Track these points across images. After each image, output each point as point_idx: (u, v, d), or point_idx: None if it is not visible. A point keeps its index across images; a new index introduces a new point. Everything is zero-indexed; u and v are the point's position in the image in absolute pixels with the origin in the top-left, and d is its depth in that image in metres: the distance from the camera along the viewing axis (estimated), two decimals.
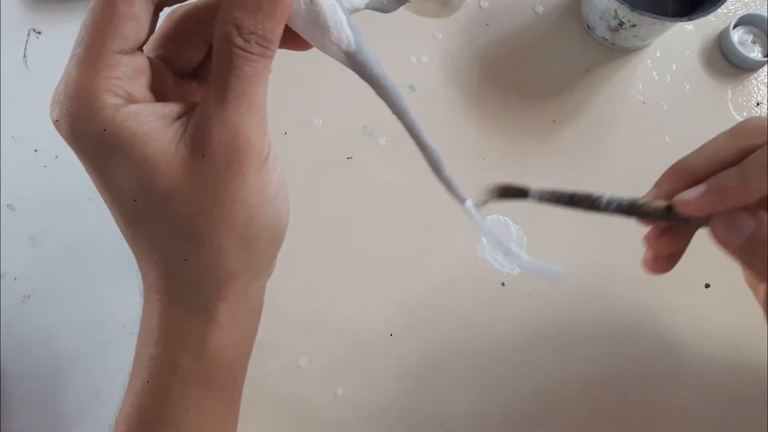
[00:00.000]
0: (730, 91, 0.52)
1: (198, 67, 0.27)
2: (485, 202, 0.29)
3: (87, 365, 0.47)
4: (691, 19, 0.45)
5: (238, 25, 0.21)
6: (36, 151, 0.51)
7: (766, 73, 0.53)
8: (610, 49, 0.53)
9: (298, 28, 0.24)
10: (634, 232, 0.50)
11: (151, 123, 0.22)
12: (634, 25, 0.48)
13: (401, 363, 0.46)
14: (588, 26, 0.54)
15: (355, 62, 0.25)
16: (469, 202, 0.28)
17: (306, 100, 0.52)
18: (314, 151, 0.51)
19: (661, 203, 0.29)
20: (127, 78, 0.22)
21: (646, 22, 0.47)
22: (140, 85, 0.23)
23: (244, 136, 0.22)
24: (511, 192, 0.29)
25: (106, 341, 0.47)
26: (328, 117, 0.52)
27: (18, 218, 0.50)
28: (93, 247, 0.49)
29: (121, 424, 0.26)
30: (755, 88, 0.52)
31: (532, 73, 0.53)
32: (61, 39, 0.55)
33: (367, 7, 0.26)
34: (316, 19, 0.23)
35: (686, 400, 0.45)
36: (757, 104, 0.52)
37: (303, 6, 0.23)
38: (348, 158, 0.51)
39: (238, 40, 0.21)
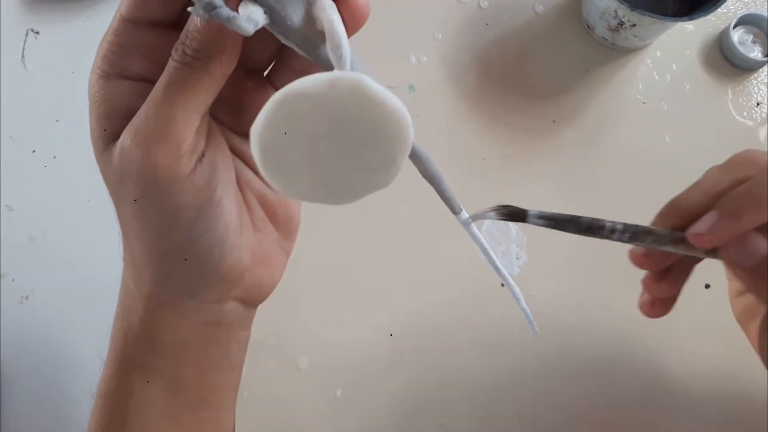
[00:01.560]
0: (730, 91, 0.52)
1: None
2: (481, 217, 0.28)
3: (87, 365, 0.47)
4: (691, 19, 0.45)
5: (176, 43, 0.21)
6: (34, 151, 0.51)
7: (766, 73, 0.52)
8: (610, 49, 0.53)
9: (295, 47, 0.22)
10: None
11: (113, 107, 0.22)
12: (634, 25, 0.48)
13: (401, 363, 0.46)
14: (588, 26, 0.53)
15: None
16: (465, 213, 0.27)
17: None
18: None
19: (676, 233, 0.28)
20: (131, 48, 0.22)
21: (646, 21, 0.47)
22: (142, 60, 0.22)
23: (144, 145, 0.21)
24: (510, 213, 0.29)
25: (105, 341, 0.47)
26: None
27: (17, 219, 0.50)
28: (92, 247, 0.49)
29: (96, 396, 0.27)
30: (755, 88, 0.52)
31: (532, 73, 0.53)
32: (60, 39, 0.55)
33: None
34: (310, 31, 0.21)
35: (686, 401, 0.45)
36: (757, 104, 0.52)
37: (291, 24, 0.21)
38: None
39: (172, 52, 0.21)
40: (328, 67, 0.21)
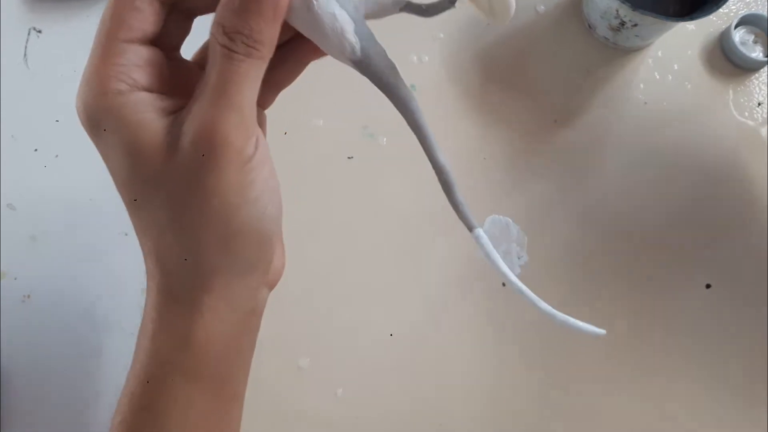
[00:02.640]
0: (731, 91, 0.52)
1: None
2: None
3: (87, 365, 0.47)
4: (692, 19, 0.45)
5: (223, 24, 0.22)
6: (36, 150, 0.51)
7: (767, 73, 0.52)
8: (612, 49, 0.53)
9: (304, 32, 0.24)
10: (634, 231, 0.50)
11: (145, 113, 0.23)
12: (635, 25, 0.48)
13: (401, 363, 0.46)
14: (589, 26, 0.53)
15: (364, 70, 0.24)
16: (479, 231, 0.26)
17: (307, 100, 0.52)
18: (315, 151, 0.51)
19: None
20: (134, 66, 0.23)
21: (647, 21, 0.47)
22: (151, 77, 0.23)
23: (221, 133, 0.22)
24: None
25: (105, 341, 0.47)
26: (329, 117, 0.52)
27: (18, 218, 0.50)
28: (93, 246, 0.49)
29: (118, 413, 0.26)
30: (756, 88, 0.52)
31: (533, 73, 0.53)
32: (62, 38, 0.55)
33: (403, 10, 0.26)
34: (315, 26, 0.23)
35: (685, 401, 0.45)
36: (759, 104, 0.52)
37: (301, 11, 0.23)
38: (349, 158, 0.51)
39: (223, 39, 0.22)
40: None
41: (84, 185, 0.50)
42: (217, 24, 0.22)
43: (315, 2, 0.23)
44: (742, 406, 0.45)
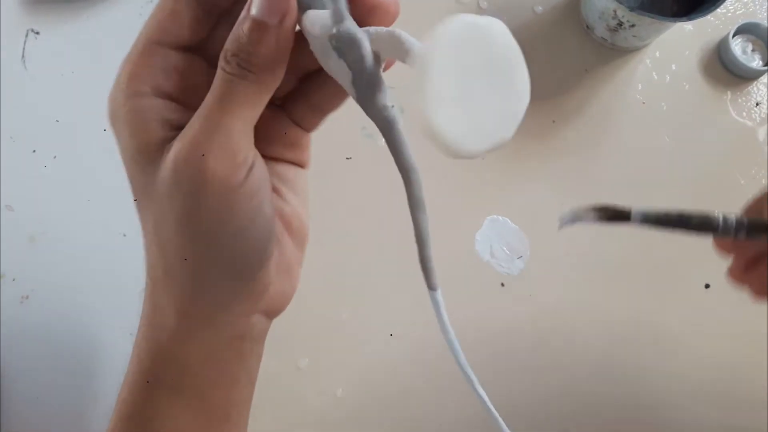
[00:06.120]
0: (729, 91, 0.52)
1: None
2: (574, 220, 0.26)
3: (86, 365, 0.47)
4: (690, 19, 0.45)
5: (226, 47, 0.21)
6: (35, 151, 0.51)
7: (766, 74, 0.52)
8: (610, 49, 0.53)
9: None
10: (633, 231, 0.50)
11: (151, 121, 0.22)
12: (633, 25, 0.48)
13: (401, 363, 0.46)
14: (587, 26, 0.54)
15: (370, 114, 0.23)
16: (438, 294, 0.26)
17: None
18: (313, 152, 0.51)
19: None
20: (160, 70, 0.22)
21: (645, 22, 0.47)
22: (173, 81, 0.23)
23: (201, 157, 0.21)
24: (610, 214, 0.26)
25: (105, 341, 0.47)
26: (328, 117, 0.52)
27: (17, 218, 0.50)
28: (92, 247, 0.49)
29: (112, 418, 0.26)
30: (755, 88, 0.52)
31: (531, 73, 0.53)
32: (60, 39, 0.55)
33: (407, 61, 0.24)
34: (326, 64, 0.22)
35: (685, 401, 0.45)
36: (757, 104, 0.52)
37: (315, 45, 0.22)
38: (347, 159, 0.51)
39: (221, 62, 0.21)
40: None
41: (82, 186, 0.50)
42: (223, 50, 0.22)
43: (312, 47, 0.22)
44: (742, 406, 0.45)
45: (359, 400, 0.45)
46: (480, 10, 0.55)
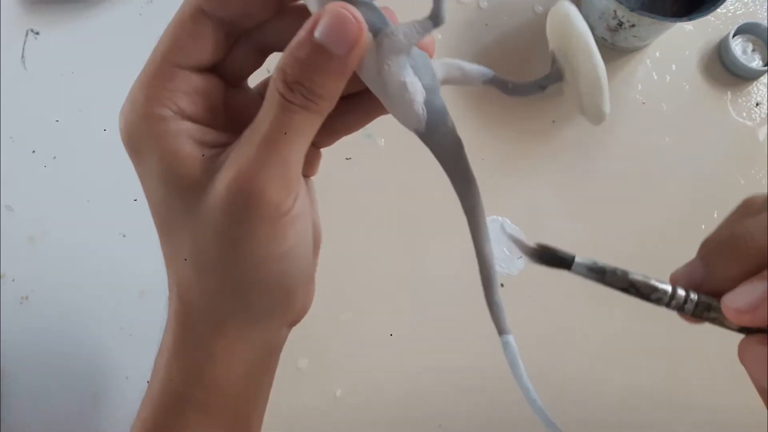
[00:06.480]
0: (729, 92, 0.52)
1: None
2: (516, 244, 0.24)
3: (86, 366, 0.47)
4: (690, 19, 0.45)
5: (285, 71, 0.20)
6: (34, 152, 0.51)
7: (766, 74, 0.52)
8: (610, 49, 0.53)
9: (373, 90, 0.22)
10: (635, 230, 0.50)
11: (184, 144, 0.22)
12: (633, 26, 0.48)
13: (401, 363, 0.46)
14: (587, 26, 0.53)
15: (427, 142, 0.22)
16: (509, 338, 0.25)
17: None
18: None
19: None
20: (183, 93, 0.22)
21: (645, 22, 0.47)
22: (198, 106, 0.22)
23: (259, 186, 0.20)
24: (552, 259, 0.24)
25: (104, 342, 0.47)
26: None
27: (17, 219, 0.50)
28: (91, 247, 0.49)
29: None
30: (755, 89, 0.52)
31: (532, 73, 0.53)
32: (59, 40, 0.55)
33: (486, 83, 0.24)
34: (383, 89, 0.22)
35: (685, 401, 0.45)
36: (757, 104, 0.52)
37: (372, 72, 0.21)
38: (347, 159, 0.51)
39: (281, 86, 0.20)
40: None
41: (82, 187, 0.50)
42: (279, 69, 0.20)
43: (386, 66, 0.21)
44: (742, 406, 0.45)
45: (359, 400, 0.45)
46: (480, 10, 0.55)
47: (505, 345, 0.25)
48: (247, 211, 0.21)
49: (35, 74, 0.54)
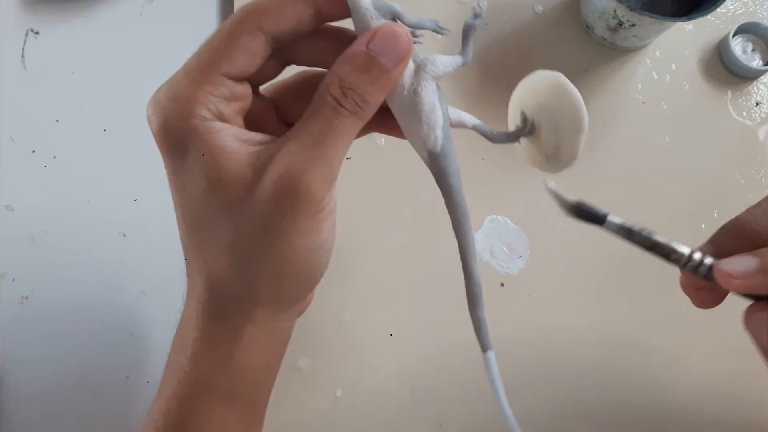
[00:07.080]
0: (729, 91, 0.52)
1: None
2: (555, 198, 0.27)
3: (86, 365, 0.47)
4: (690, 19, 0.45)
5: (341, 77, 0.23)
6: (34, 151, 0.51)
7: (766, 74, 0.52)
8: (610, 49, 0.53)
9: (394, 109, 0.25)
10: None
11: (230, 142, 0.23)
12: (633, 25, 0.48)
13: (401, 363, 0.46)
14: (587, 26, 0.53)
15: (435, 164, 0.25)
16: (491, 354, 0.27)
17: None
18: None
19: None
20: (224, 99, 0.24)
21: (645, 21, 0.47)
22: (234, 110, 0.24)
23: (305, 183, 0.22)
24: (587, 215, 0.27)
25: (105, 342, 0.47)
26: None
27: (17, 219, 0.50)
28: (92, 247, 0.49)
29: (149, 427, 0.27)
30: (755, 88, 0.52)
31: (532, 72, 0.53)
32: (60, 40, 0.55)
33: (475, 128, 0.27)
34: (413, 109, 0.24)
35: (685, 401, 0.45)
36: (757, 104, 0.52)
37: (405, 92, 0.24)
38: (347, 159, 0.51)
39: (335, 91, 0.23)
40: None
41: (82, 186, 0.50)
42: (334, 75, 0.23)
43: (423, 87, 0.24)
44: (742, 406, 0.45)
45: (359, 400, 0.45)
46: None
47: (487, 361, 0.28)
48: (292, 206, 0.23)
49: (35, 74, 0.54)
